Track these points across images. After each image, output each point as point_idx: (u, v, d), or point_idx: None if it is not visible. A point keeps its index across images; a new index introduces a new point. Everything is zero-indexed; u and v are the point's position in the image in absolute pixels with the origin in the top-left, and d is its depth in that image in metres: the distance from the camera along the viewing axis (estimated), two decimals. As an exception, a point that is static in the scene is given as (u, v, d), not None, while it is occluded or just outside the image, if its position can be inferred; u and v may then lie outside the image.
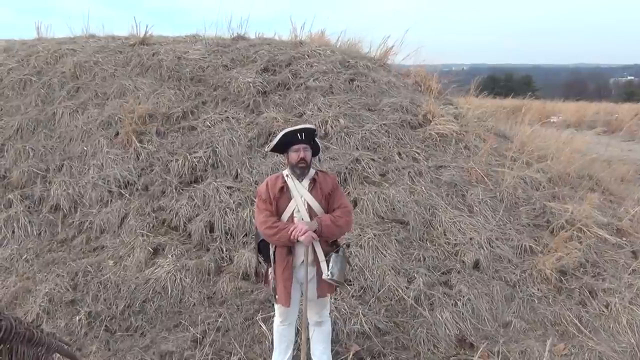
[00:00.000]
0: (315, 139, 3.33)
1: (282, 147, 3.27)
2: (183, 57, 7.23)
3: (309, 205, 3.22)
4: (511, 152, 6.05)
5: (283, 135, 3.22)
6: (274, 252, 3.29)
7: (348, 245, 4.71)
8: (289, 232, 3.12)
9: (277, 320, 3.52)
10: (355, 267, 4.56)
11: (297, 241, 3.15)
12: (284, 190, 3.25)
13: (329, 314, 3.60)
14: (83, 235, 5.32)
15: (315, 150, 3.39)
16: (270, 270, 3.35)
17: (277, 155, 5.60)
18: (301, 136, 3.19)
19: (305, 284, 3.24)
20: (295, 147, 3.20)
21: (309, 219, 3.19)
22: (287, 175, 3.28)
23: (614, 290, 4.54)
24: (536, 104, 15.68)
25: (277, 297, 3.35)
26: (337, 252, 3.25)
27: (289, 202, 3.24)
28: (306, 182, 3.26)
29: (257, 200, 3.37)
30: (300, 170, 3.22)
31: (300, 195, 3.22)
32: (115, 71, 7.16)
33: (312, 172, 3.31)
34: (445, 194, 5.37)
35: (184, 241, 5.05)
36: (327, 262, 3.20)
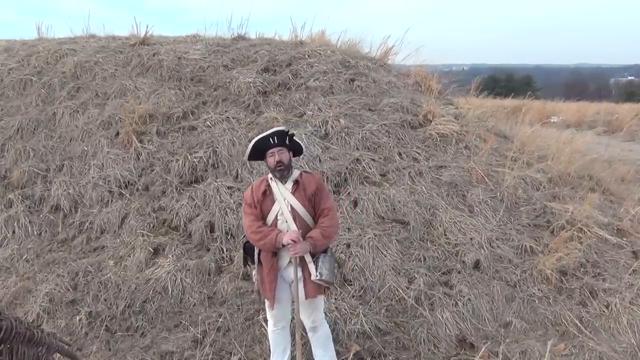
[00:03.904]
0: (294, 138, 3.31)
1: (259, 154, 3.28)
2: (183, 57, 7.23)
3: (292, 207, 3.22)
4: (511, 152, 6.05)
5: (257, 142, 3.23)
6: (259, 254, 3.31)
7: (348, 245, 4.71)
8: (274, 239, 3.13)
9: (269, 324, 3.53)
10: (356, 267, 4.56)
11: (283, 246, 3.16)
12: (267, 193, 3.27)
13: (325, 316, 3.56)
14: (83, 235, 5.32)
15: (296, 150, 3.38)
16: (254, 272, 3.37)
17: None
18: (273, 140, 3.19)
19: (296, 285, 3.24)
20: (270, 151, 3.21)
21: (293, 222, 3.19)
22: (271, 178, 3.30)
23: (615, 291, 4.54)
24: (536, 104, 15.65)
25: (262, 299, 3.38)
26: (325, 252, 3.25)
27: (273, 205, 3.25)
28: (289, 184, 3.26)
29: (243, 205, 3.40)
30: (279, 173, 3.22)
31: (284, 198, 3.23)
32: (115, 71, 7.17)
33: (295, 173, 3.31)
34: (445, 194, 5.37)
35: (185, 241, 5.05)
36: (316, 262, 3.20)
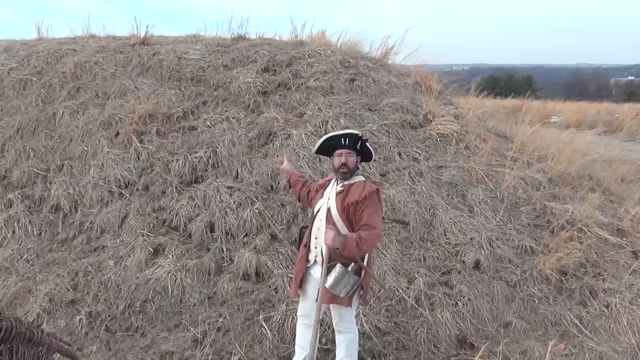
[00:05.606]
0: (367, 144, 3.30)
1: (327, 150, 3.31)
2: (183, 57, 7.23)
3: (329, 209, 3.23)
4: (511, 152, 6.04)
5: (327, 139, 3.27)
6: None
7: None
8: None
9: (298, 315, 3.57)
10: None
11: (315, 238, 3.27)
12: (319, 188, 3.39)
13: (353, 325, 3.44)
14: (83, 235, 5.32)
15: (366, 156, 3.38)
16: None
17: (277, 155, 5.61)
18: (345, 141, 3.20)
19: (322, 285, 3.21)
20: (339, 151, 3.22)
21: (325, 223, 3.20)
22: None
23: (615, 291, 4.54)
24: (537, 104, 15.66)
25: None
26: (345, 264, 3.11)
27: (319, 201, 3.33)
28: (340, 187, 3.26)
29: None
30: (341, 175, 3.23)
31: (328, 198, 3.27)
32: (115, 71, 7.17)
33: (355, 179, 3.28)
34: (445, 194, 5.37)
35: (185, 241, 5.05)
36: (330, 268, 3.14)
